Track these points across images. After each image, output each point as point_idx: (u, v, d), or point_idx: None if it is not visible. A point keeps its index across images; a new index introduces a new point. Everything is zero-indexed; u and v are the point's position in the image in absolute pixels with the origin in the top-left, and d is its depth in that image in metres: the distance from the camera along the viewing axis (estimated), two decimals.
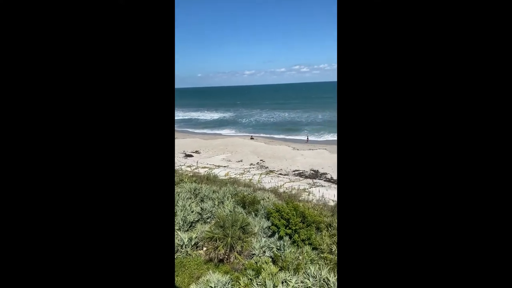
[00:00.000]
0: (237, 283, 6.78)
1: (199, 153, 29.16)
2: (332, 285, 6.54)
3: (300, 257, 7.87)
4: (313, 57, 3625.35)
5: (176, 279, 7.39)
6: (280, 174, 21.60)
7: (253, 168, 23.32)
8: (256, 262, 7.59)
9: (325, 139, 35.96)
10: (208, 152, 29.18)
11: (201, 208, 10.62)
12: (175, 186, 12.82)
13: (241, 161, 25.41)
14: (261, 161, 25.09)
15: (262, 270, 7.00)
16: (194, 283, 7.06)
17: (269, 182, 18.84)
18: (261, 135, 40.41)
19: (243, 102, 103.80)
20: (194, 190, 12.21)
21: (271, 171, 22.21)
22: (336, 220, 9.95)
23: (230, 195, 11.86)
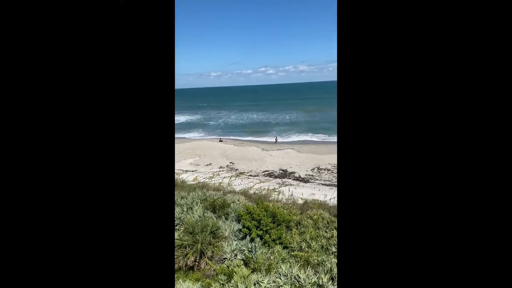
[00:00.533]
0: None
1: None
2: (302, 281, 6.71)
3: (272, 257, 7.95)
4: (279, 59, 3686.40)
5: None
6: (250, 175, 21.66)
7: (222, 171, 23.07)
8: (227, 266, 7.49)
9: (293, 140, 36.98)
10: (175, 157, 28.17)
11: None
12: None
13: (210, 164, 24.99)
14: (231, 164, 24.94)
15: (234, 274, 6.93)
16: None
17: (239, 184, 18.78)
18: (230, 137, 40.21)
19: (210, 104, 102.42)
20: None
21: (241, 173, 22.18)
22: (305, 218, 10.25)
23: (199, 200, 11.57)
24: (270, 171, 22.35)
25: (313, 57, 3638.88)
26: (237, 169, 23.32)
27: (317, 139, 36.57)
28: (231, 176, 21.26)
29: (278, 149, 29.72)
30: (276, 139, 36.82)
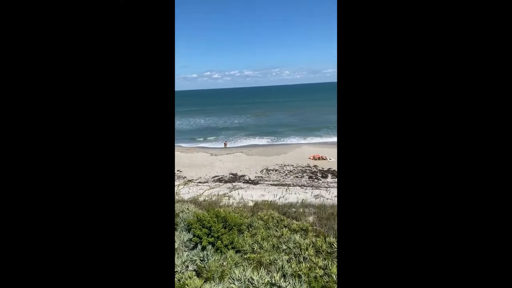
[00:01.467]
0: None
1: None
2: (256, 283, 6.79)
3: (225, 263, 7.84)
4: (224, 64, 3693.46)
5: None
6: (199, 182, 21.05)
7: None
8: (178, 280, 7.10)
9: (242, 144, 37.37)
10: None
11: None
12: None
13: None
14: (178, 171, 23.82)
15: (186, 286, 6.61)
16: None
17: (187, 192, 18.06)
18: (177, 144, 38.43)
19: None
20: None
21: (190, 181, 21.38)
22: (256, 220, 10.43)
23: None
24: (220, 176, 22.11)
25: (257, 63, 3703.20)
26: (185, 177, 22.39)
27: (265, 142, 37.73)
28: (178, 185, 20.29)
29: (228, 153, 29.64)
30: (225, 143, 36.66)
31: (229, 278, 7.14)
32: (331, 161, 24.42)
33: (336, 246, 8.56)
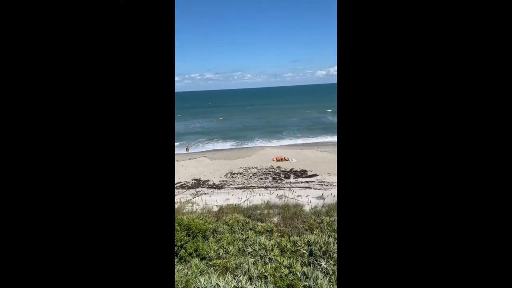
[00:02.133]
0: None
1: None
2: None
3: (189, 272, 7.56)
4: (184, 67, 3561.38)
5: None
6: None
7: None
8: None
9: (205, 148, 36.63)
10: None
11: None
12: None
13: None
14: None
15: None
16: None
17: None
18: None
19: None
20: None
21: None
22: (221, 224, 10.28)
23: None
24: (183, 183, 21.36)
25: (218, 66, 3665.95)
26: None
27: (229, 146, 37.53)
28: None
29: (190, 159, 28.80)
30: (187, 148, 35.56)
31: (194, 287, 6.89)
32: (293, 162, 25.27)
33: (299, 244, 8.84)
